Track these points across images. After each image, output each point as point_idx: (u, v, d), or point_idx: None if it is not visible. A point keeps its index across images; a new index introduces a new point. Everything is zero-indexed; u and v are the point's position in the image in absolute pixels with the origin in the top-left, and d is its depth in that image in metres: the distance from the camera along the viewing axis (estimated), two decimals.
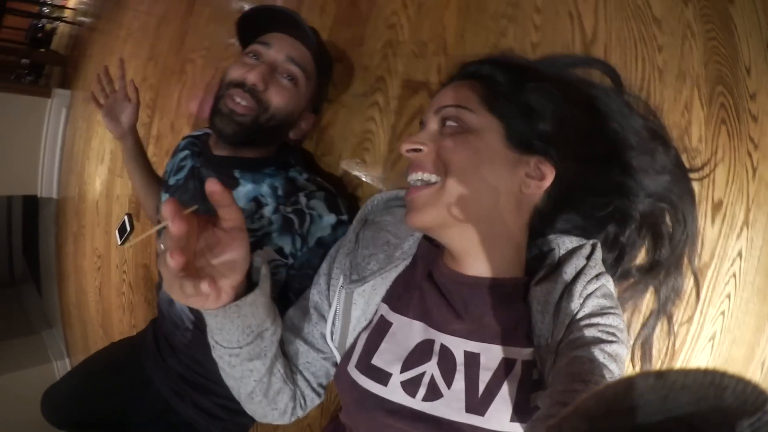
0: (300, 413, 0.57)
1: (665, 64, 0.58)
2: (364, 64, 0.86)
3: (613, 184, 0.54)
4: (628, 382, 0.20)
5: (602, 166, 0.54)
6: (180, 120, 1.29)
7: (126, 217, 1.51)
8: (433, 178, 0.50)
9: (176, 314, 0.82)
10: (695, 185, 0.56)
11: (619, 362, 0.42)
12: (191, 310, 0.79)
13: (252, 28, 0.76)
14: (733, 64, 0.56)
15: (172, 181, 0.85)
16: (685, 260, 0.56)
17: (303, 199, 0.71)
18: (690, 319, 0.57)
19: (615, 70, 0.60)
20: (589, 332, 0.44)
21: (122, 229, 1.53)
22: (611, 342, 0.42)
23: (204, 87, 1.22)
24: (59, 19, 2.90)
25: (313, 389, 0.58)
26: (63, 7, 3.04)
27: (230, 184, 0.75)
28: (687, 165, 0.57)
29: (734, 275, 0.56)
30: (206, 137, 0.87)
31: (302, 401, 0.57)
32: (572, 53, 0.64)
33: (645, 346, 0.57)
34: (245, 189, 0.74)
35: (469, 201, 0.48)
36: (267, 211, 0.72)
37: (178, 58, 1.33)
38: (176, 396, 0.83)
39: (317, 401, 0.59)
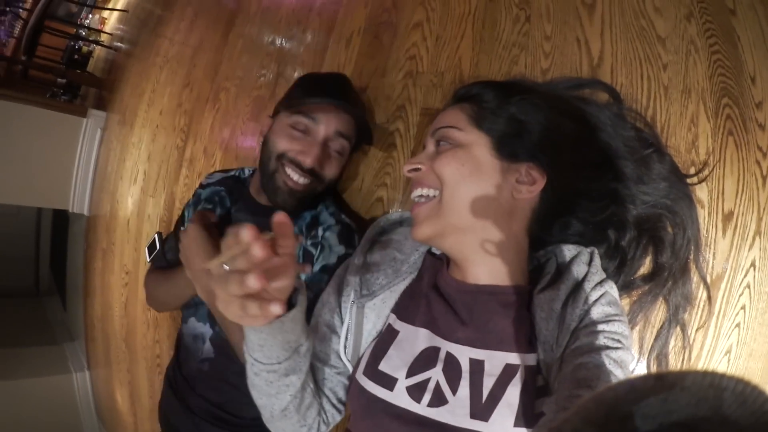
0: (324, 430, 0.59)
1: (670, 81, 0.60)
2: (386, 94, 0.91)
3: (607, 190, 0.56)
4: (627, 385, 0.20)
5: (594, 172, 0.56)
6: (213, 145, 1.35)
7: (156, 236, 1.55)
8: (431, 192, 0.55)
9: (196, 347, 0.84)
10: (704, 196, 0.57)
11: (624, 368, 0.42)
12: (212, 340, 0.82)
13: (306, 88, 0.81)
14: (738, 75, 0.57)
15: (204, 206, 0.89)
16: (693, 266, 0.56)
17: (320, 232, 0.77)
18: (704, 325, 0.57)
19: (612, 87, 0.63)
20: (595, 339, 0.44)
21: (152, 247, 1.57)
22: (617, 348, 0.43)
23: (236, 115, 1.28)
24: (96, 42, 3.02)
25: (333, 405, 0.59)
26: (100, 31, 3.17)
27: (268, 228, 0.81)
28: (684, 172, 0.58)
29: (748, 286, 0.55)
30: (237, 181, 0.92)
31: (325, 417, 0.58)
32: (571, 76, 0.67)
33: (660, 357, 0.57)
34: None
35: (463, 208, 0.52)
36: None
37: (213, 86, 1.41)
38: None
39: (338, 417, 0.60)
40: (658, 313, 0.58)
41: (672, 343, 0.57)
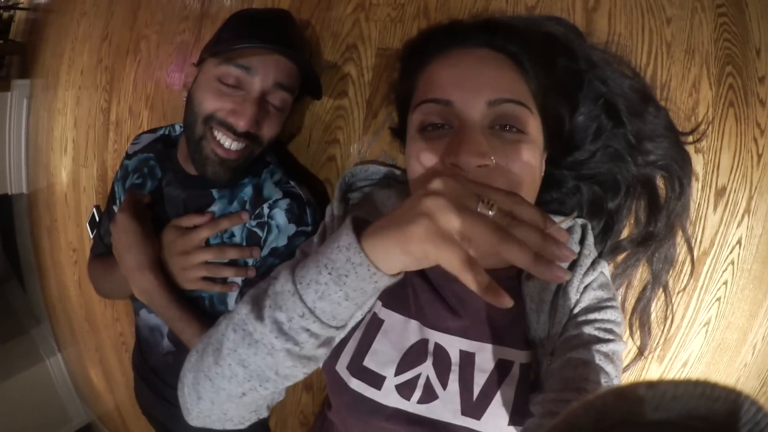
0: (264, 413, 0.51)
1: (674, 38, 0.54)
2: (333, 30, 0.77)
3: (605, 145, 0.53)
4: (617, 393, 0.20)
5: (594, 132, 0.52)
6: (138, 103, 1.19)
7: (94, 209, 1.44)
8: None
9: (155, 340, 0.78)
10: (700, 169, 0.54)
11: (616, 361, 0.41)
12: (170, 336, 0.75)
13: (237, 29, 0.65)
14: (744, 44, 0.52)
15: (133, 180, 0.78)
16: (678, 228, 0.54)
17: (266, 210, 0.67)
18: (685, 289, 0.56)
19: (574, 25, 0.56)
20: (586, 330, 0.42)
21: (92, 222, 1.46)
22: (608, 341, 0.41)
23: (159, 66, 1.12)
24: (14, 7, 2.65)
25: None
26: None
27: (206, 202, 0.70)
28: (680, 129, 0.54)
29: (732, 263, 0.54)
30: (167, 143, 0.79)
31: (270, 399, 0.51)
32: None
33: (643, 318, 0.56)
34: (217, 207, 0.69)
35: None
36: (236, 229, 0.68)
37: (132, 35, 1.21)
38: (175, 423, 0.80)
39: (278, 399, 0.51)
40: (640, 274, 0.57)
41: (654, 304, 0.57)
